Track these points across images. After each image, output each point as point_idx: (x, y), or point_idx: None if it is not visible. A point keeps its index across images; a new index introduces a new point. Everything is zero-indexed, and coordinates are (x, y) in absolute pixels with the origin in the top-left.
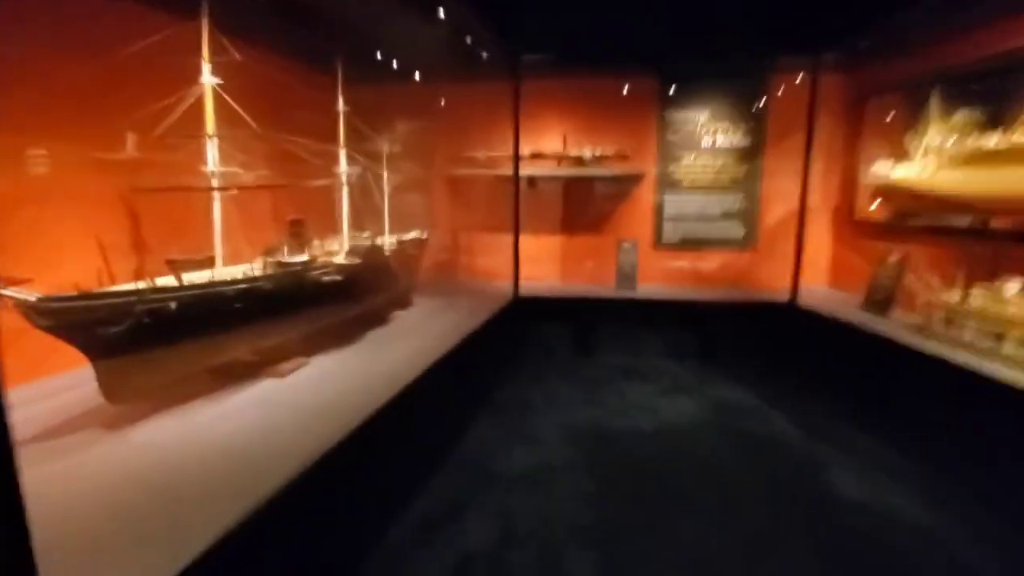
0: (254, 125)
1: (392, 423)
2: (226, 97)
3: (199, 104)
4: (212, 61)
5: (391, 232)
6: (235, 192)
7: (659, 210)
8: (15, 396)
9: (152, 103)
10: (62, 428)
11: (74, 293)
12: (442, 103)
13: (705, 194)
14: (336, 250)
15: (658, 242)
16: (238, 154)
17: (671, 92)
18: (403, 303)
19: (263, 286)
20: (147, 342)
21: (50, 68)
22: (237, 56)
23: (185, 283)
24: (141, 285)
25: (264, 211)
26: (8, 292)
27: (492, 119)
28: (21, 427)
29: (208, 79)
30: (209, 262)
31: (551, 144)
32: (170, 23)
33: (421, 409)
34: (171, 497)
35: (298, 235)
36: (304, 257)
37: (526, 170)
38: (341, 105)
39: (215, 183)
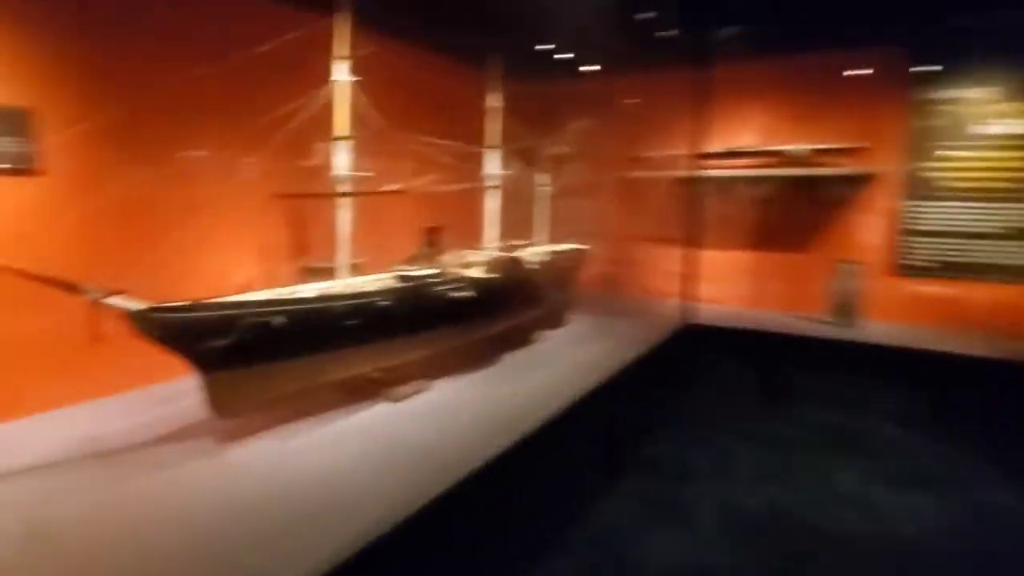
0: (379, 123)
1: (504, 479)
2: (362, 96)
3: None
4: (349, 58)
5: (545, 242)
6: (376, 196)
7: (903, 222)
8: (135, 399)
9: (290, 103)
10: (167, 438)
11: (185, 303)
12: (613, 96)
13: (981, 202)
14: (474, 262)
15: (899, 265)
16: (374, 158)
17: (928, 66)
18: (554, 322)
19: (378, 302)
20: (254, 356)
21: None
22: (369, 50)
23: (299, 296)
24: (254, 296)
25: (405, 217)
26: (113, 301)
27: (672, 112)
28: (130, 433)
29: (342, 76)
30: (348, 270)
31: (747, 138)
32: (307, 20)
33: (545, 462)
34: (215, 543)
35: (433, 244)
36: (429, 270)
37: (716, 171)
38: (493, 101)
39: (345, 188)
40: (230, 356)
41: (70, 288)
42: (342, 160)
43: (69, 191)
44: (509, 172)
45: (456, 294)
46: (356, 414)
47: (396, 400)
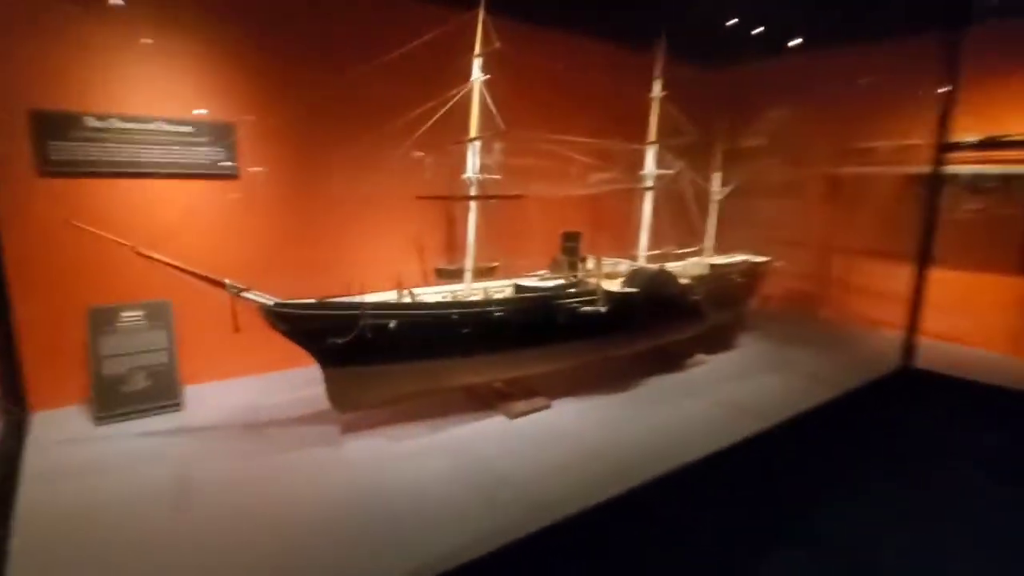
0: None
1: (613, 534)
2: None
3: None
4: (481, 55)
5: (713, 251)
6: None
7: None
8: (294, 377)
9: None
10: (304, 419)
11: (310, 301)
12: (819, 74)
13: None
14: (616, 273)
15: None
16: (519, 156)
17: None
18: (718, 344)
19: (492, 312)
20: (370, 356)
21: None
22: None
23: (417, 301)
24: (375, 298)
25: (551, 219)
26: (251, 295)
27: (903, 91)
28: (279, 409)
29: (477, 75)
30: (485, 273)
31: (1018, 123)
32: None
33: (674, 520)
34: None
35: (570, 251)
36: (555, 281)
37: (965, 166)
38: (655, 90)
39: (474, 191)
40: (347, 354)
41: (216, 283)
42: (473, 162)
43: (258, 192)
44: (670, 171)
45: (585, 309)
46: (467, 425)
47: (512, 416)
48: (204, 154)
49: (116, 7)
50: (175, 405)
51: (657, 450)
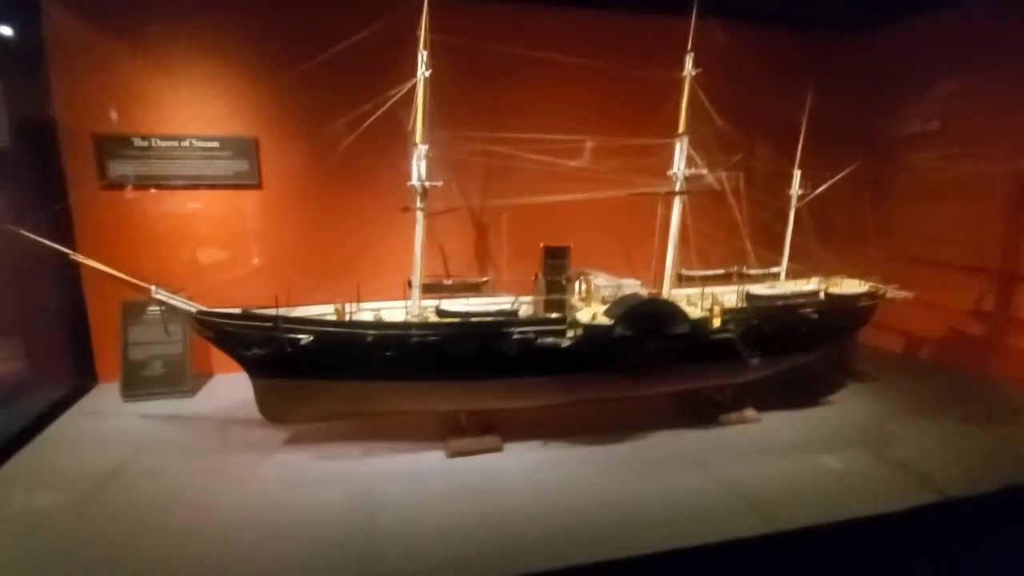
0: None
1: None
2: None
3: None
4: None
5: (792, 274)
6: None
7: None
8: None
9: None
10: (251, 423)
11: (232, 311)
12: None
13: None
14: (608, 298)
15: None
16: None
17: None
18: (782, 398)
19: (411, 336)
20: (295, 370)
21: None
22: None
23: (353, 319)
24: (308, 312)
25: (556, 229)
26: (175, 301)
27: None
28: (241, 409)
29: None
30: (468, 288)
31: None
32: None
33: None
34: None
35: (555, 271)
36: (501, 306)
37: None
38: (689, 66)
39: (418, 200)
40: (272, 366)
41: (141, 289)
42: (418, 167)
43: (279, 200)
44: (702, 171)
45: (544, 341)
46: (399, 456)
47: (449, 454)
48: (229, 166)
49: (152, 38)
50: (187, 392)
51: (601, 531)
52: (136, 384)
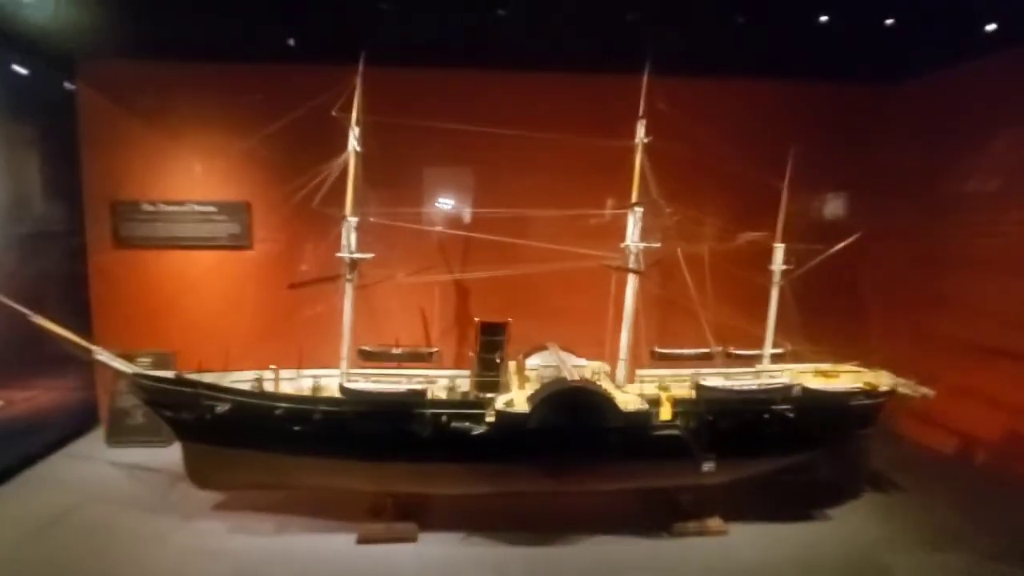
0: None
1: None
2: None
3: None
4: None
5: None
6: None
7: None
8: None
9: None
10: (160, 486)
11: (166, 374)
12: None
13: None
14: (546, 384)
15: None
16: None
17: None
18: (763, 506)
19: (314, 412)
20: (218, 437)
21: None
22: None
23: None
24: (234, 379)
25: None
26: (116, 363)
27: None
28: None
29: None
30: (416, 357)
31: None
32: None
33: None
34: None
35: (490, 348)
36: (417, 385)
37: None
38: (641, 134)
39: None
40: (197, 431)
41: (84, 350)
42: (348, 238)
43: (269, 262)
44: (655, 244)
45: (457, 425)
46: (304, 537)
47: (359, 539)
48: (224, 229)
49: (163, 114)
50: (162, 442)
51: None
52: (119, 431)
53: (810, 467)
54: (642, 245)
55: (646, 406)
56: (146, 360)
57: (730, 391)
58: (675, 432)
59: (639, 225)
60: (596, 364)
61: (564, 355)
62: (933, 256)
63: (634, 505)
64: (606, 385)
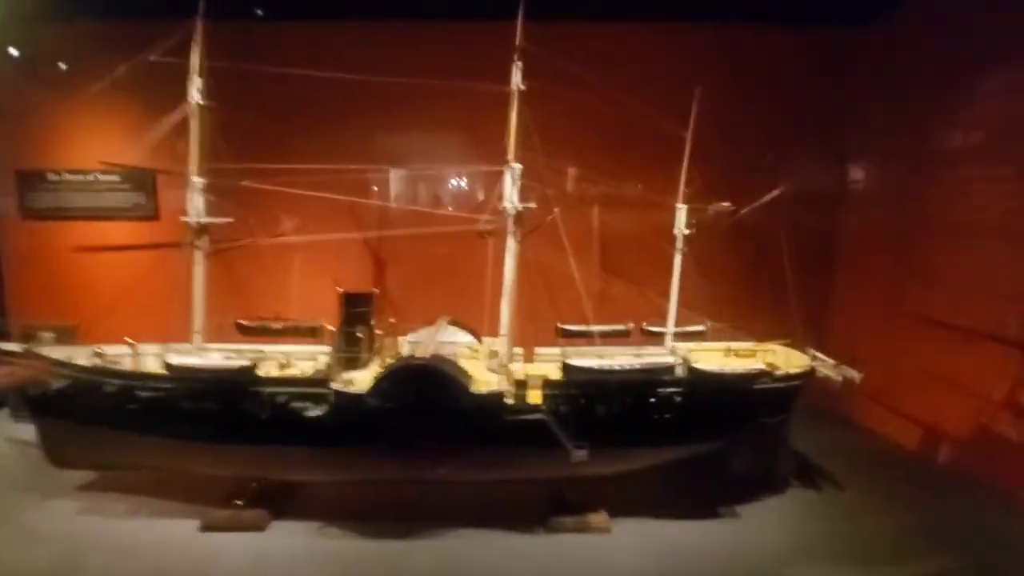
0: None
1: None
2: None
3: None
4: None
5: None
6: None
7: None
8: None
9: None
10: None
11: (21, 348)
12: None
13: None
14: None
15: None
16: None
17: None
18: (666, 499)
19: (137, 388)
20: (69, 414)
21: None
22: None
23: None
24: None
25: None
26: None
27: None
28: None
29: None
30: (299, 332)
31: None
32: None
33: None
34: None
35: (355, 321)
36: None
37: None
38: (516, 79)
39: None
40: (45, 406)
41: None
42: (195, 201)
43: (174, 231)
44: (531, 204)
45: (295, 405)
46: (149, 521)
47: (201, 526)
48: (128, 199)
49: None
50: None
51: None
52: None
53: (717, 459)
54: (520, 206)
55: (503, 388)
56: (49, 334)
57: (601, 371)
58: (538, 417)
59: (517, 184)
60: (495, 341)
61: (454, 331)
62: (908, 222)
63: (514, 496)
64: (474, 366)
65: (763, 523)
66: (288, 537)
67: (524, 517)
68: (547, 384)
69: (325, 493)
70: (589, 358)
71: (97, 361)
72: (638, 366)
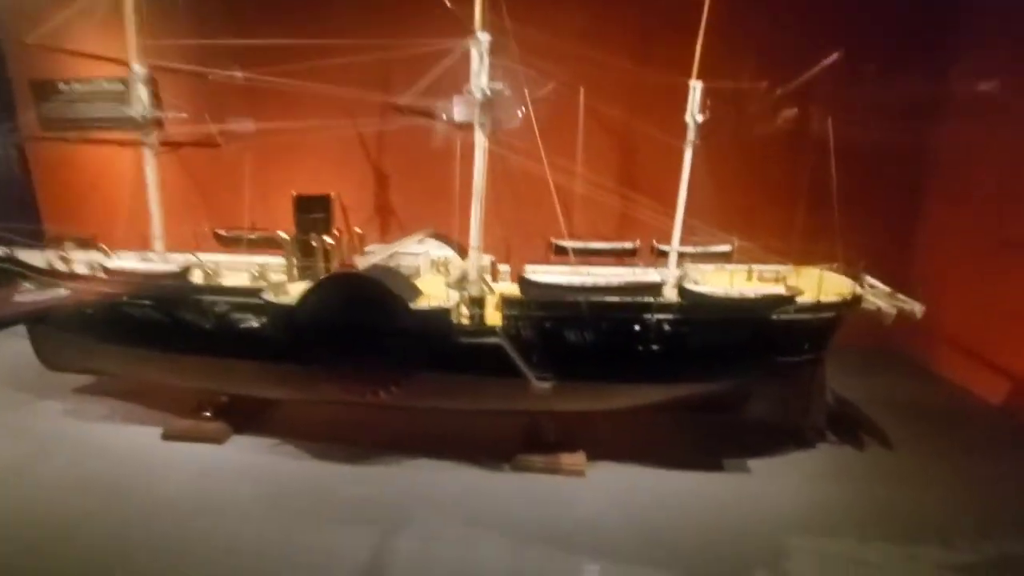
0: None
1: None
2: None
3: None
4: None
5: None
6: None
7: None
8: None
9: None
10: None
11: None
12: None
13: None
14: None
15: None
16: None
17: None
18: (663, 438)
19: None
20: (59, 320)
21: None
22: None
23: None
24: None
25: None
26: None
27: None
28: None
29: None
30: (275, 243)
31: None
32: None
33: None
34: None
35: (309, 227)
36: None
37: None
38: None
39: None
40: (42, 315)
41: None
42: (139, 94)
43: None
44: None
45: (233, 316)
46: (117, 428)
47: (165, 435)
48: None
49: None
50: None
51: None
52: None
53: (731, 400)
54: (489, 90)
55: (454, 305)
56: (71, 243)
57: (562, 288)
58: (493, 340)
59: (485, 61)
60: (483, 258)
61: (435, 245)
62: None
63: (487, 427)
64: (434, 282)
65: (772, 481)
66: (240, 452)
67: (493, 451)
68: (506, 303)
69: (297, 410)
70: (557, 275)
71: (62, 267)
72: (614, 284)
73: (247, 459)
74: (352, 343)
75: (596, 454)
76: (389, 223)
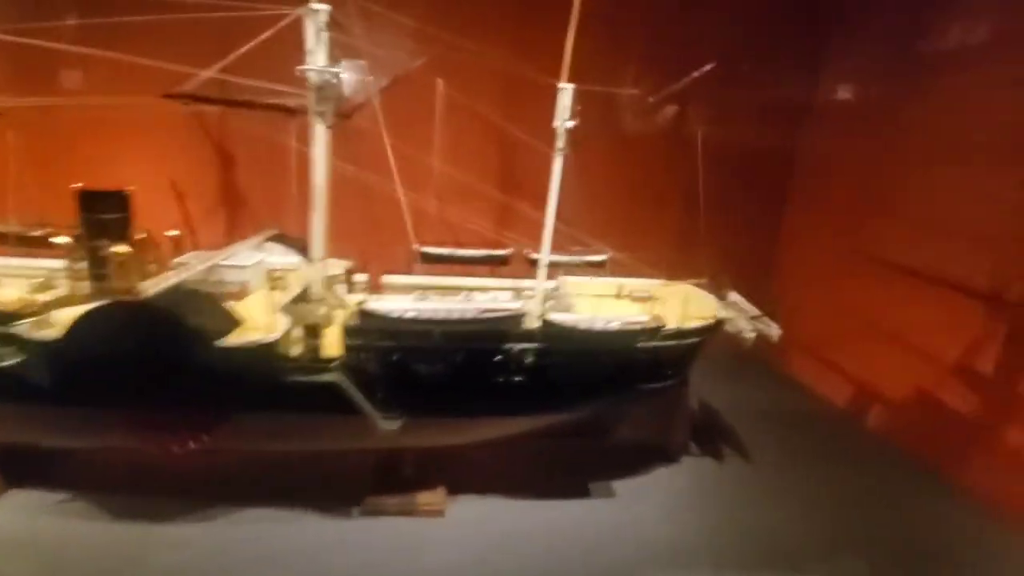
0: None
1: None
2: None
3: None
4: None
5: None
6: None
7: None
8: None
9: None
10: None
11: None
12: None
13: None
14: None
15: None
16: None
17: None
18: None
19: None
20: None
21: None
22: None
23: None
24: None
25: None
26: None
27: None
28: None
29: None
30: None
31: None
32: None
33: None
34: None
35: (97, 230)
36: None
37: None
38: None
39: None
40: None
41: None
42: None
43: None
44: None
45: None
46: None
47: None
48: None
49: None
50: None
51: None
52: None
53: (599, 425)
54: (329, 72)
55: (282, 336)
56: None
57: (407, 321)
58: (329, 379)
59: (323, 35)
60: (336, 265)
61: (276, 250)
62: (877, 141)
63: (336, 463)
64: (265, 303)
65: (636, 505)
66: (15, 514)
67: (341, 493)
68: (349, 333)
69: (92, 454)
70: (403, 301)
71: None
72: (469, 316)
73: (22, 524)
74: (142, 383)
75: (457, 487)
76: (236, 217)
